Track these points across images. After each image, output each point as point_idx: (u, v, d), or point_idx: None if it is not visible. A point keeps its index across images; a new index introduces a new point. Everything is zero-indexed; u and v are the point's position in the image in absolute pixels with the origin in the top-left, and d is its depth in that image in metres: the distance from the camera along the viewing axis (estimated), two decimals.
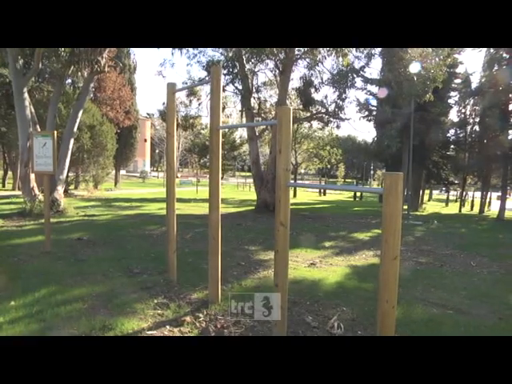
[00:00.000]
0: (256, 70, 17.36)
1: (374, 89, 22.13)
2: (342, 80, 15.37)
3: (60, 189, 12.84)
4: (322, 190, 40.77)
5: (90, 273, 5.58)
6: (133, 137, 33.45)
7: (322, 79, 17.02)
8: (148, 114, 66.34)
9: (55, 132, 7.42)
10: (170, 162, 5.25)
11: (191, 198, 21.06)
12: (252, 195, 23.92)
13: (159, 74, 17.35)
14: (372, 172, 61.65)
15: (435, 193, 47.59)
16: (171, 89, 5.18)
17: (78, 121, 13.70)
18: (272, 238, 8.95)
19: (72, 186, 22.74)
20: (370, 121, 24.22)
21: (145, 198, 21.60)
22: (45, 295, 4.59)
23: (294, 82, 19.86)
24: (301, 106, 18.13)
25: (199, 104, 19.44)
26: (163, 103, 33.16)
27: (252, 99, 17.45)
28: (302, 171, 56.97)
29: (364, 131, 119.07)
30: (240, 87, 16.85)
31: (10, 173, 29.99)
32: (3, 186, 29.08)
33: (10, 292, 4.64)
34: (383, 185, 2.50)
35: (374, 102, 23.10)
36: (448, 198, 36.50)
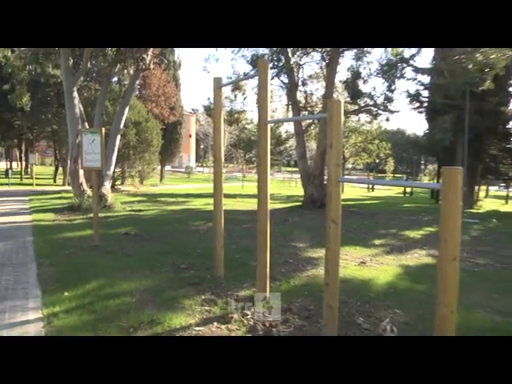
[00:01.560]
0: (302, 62, 17.20)
1: (425, 79, 21.34)
2: (390, 70, 14.93)
3: (107, 184, 13.32)
4: (371, 186, 39.92)
5: (137, 267, 5.73)
6: (178, 132, 34.04)
7: (370, 70, 16.62)
8: (193, 110, 67.30)
9: (103, 129, 7.68)
10: (217, 157, 5.31)
11: (237, 194, 21.20)
12: (298, 191, 23.80)
13: (204, 69, 17.74)
14: (423, 167, 59.71)
15: (492, 189, 45.37)
16: (217, 84, 5.21)
17: (124, 118, 14.16)
18: (320, 235, 8.81)
19: (118, 182, 23.52)
20: (420, 113, 23.44)
21: (190, 193, 21.99)
22: (95, 288, 4.76)
23: (341, 73, 19.87)
24: (348, 99, 17.79)
25: (244, 98, 19.53)
26: (208, 98, 33.53)
27: (298, 93, 17.32)
28: (350, 166, 56.03)
29: (414, 124, 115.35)
30: (286, 81, 16.76)
31: (60, 169, 31.53)
32: (54, 181, 30.59)
33: (63, 283, 4.87)
34: (441, 180, 2.38)
35: (425, 93, 22.28)
36: (508, 194, 34.71)
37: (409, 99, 22.15)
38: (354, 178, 48.93)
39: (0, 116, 28.84)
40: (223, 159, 5.48)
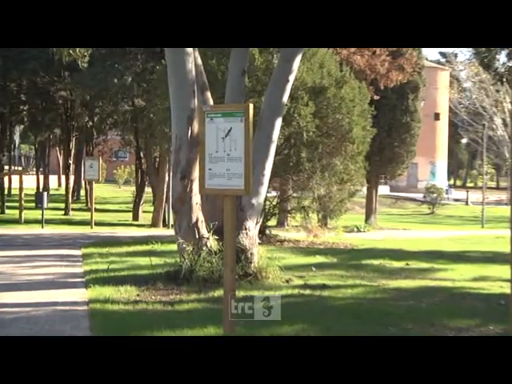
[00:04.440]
0: None
1: None
2: None
3: (252, 226, 13.59)
4: None
5: None
6: (408, 110, 33.84)
7: None
8: (444, 57, 67.20)
9: (250, 105, 7.83)
10: None
11: None
12: None
13: None
14: None
15: None
16: None
17: (291, 79, 14.33)
18: None
19: (273, 221, 24.23)
20: None
21: (438, 250, 21.67)
22: None
23: None
24: None
25: None
26: None
27: None
28: None
29: None
30: None
31: (147, 190, 33.15)
32: (135, 217, 32.37)
33: None
34: None
35: None
36: None
37: None
38: None
39: (29, 79, 31.22)
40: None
